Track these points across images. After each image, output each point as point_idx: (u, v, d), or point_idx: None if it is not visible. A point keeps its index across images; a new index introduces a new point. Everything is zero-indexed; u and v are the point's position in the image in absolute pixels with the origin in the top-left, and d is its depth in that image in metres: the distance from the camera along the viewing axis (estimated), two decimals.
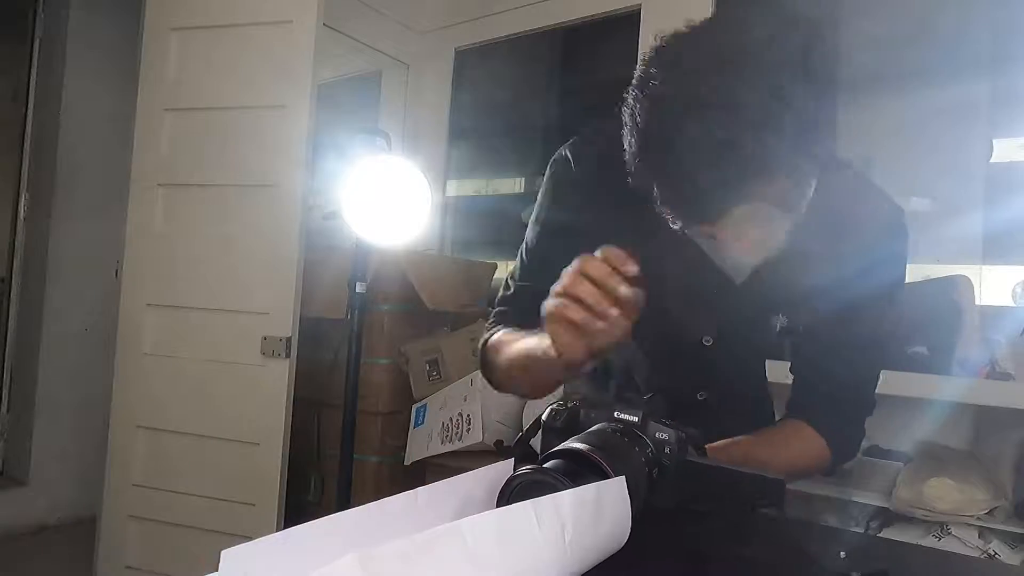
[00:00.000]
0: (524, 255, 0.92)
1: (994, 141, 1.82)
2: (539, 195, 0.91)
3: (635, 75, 0.61)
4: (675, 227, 0.64)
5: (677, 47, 0.59)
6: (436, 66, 2.85)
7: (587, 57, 2.67)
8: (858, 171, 0.84)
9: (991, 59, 1.82)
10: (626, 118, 0.61)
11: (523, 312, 0.83)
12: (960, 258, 1.81)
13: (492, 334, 0.89)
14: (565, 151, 0.86)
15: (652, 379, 0.80)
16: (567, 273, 0.63)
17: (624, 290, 0.60)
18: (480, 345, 0.91)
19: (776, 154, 0.55)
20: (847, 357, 0.80)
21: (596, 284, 0.61)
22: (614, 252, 0.62)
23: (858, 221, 0.76)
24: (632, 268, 0.61)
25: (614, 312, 0.60)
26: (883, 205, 0.80)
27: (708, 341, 0.83)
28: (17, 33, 2.65)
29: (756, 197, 0.57)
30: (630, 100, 0.60)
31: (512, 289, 0.92)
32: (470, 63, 2.84)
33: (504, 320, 0.90)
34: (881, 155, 1.96)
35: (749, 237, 0.62)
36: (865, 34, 2.07)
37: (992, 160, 1.83)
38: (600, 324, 0.60)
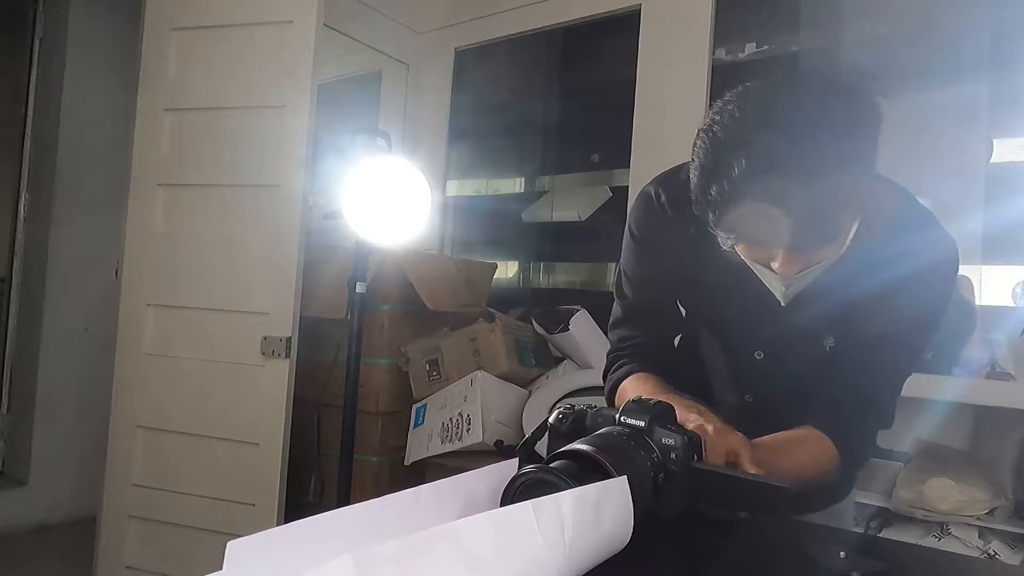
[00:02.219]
0: (627, 287, 1.00)
1: (994, 141, 1.82)
2: (631, 223, 0.98)
3: (704, 122, 0.72)
4: (725, 247, 0.74)
5: (736, 101, 0.71)
6: (436, 66, 2.85)
7: (587, 57, 2.67)
8: (910, 197, 0.89)
9: (991, 59, 1.82)
10: (693, 155, 0.72)
11: (645, 356, 0.97)
12: (960, 258, 1.81)
13: (619, 373, 0.97)
14: (651, 188, 0.94)
15: (706, 382, 0.96)
16: None
17: None
18: (609, 385, 1.00)
19: (809, 189, 0.64)
20: (872, 374, 0.84)
21: None
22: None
23: (909, 253, 0.81)
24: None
25: None
26: (937, 237, 0.84)
27: (760, 355, 0.91)
28: (17, 33, 2.65)
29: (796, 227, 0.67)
30: (697, 141, 0.72)
31: (622, 326, 1.01)
32: (470, 63, 2.84)
33: (629, 358, 0.98)
34: (881, 155, 1.96)
35: (793, 262, 0.72)
36: (865, 34, 2.07)
37: (992, 160, 1.82)
38: None
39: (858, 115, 0.67)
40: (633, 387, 0.92)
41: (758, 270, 0.77)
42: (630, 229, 0.97)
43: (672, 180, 0.90)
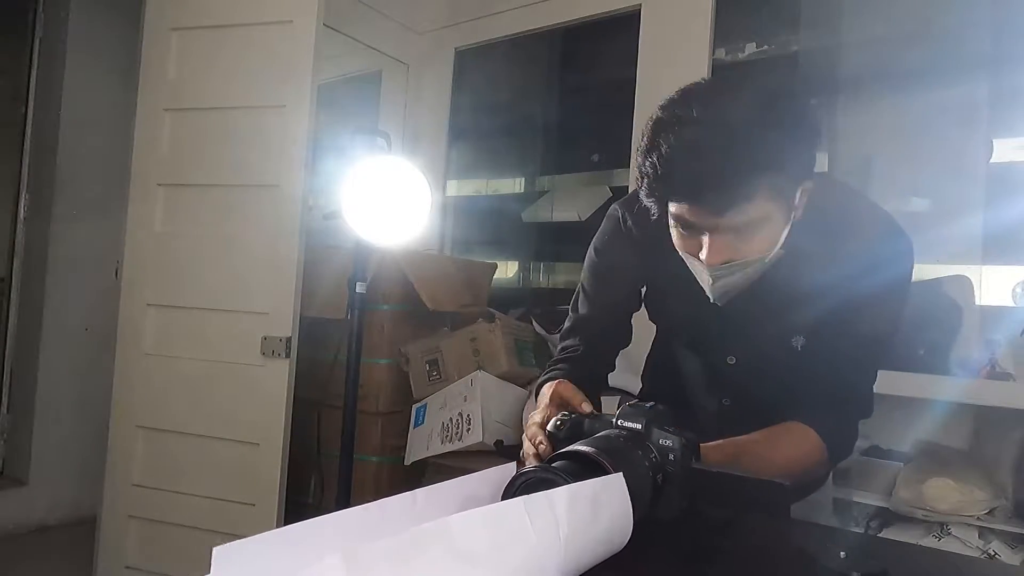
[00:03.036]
0: (582, 304, 1.03)
1: (994, 141, 1.82)
2: (596, 242, 1.03)
3: (652, 115, 0.78)
4: (653, 217, 0.79)
5: (679, 92, 0.78)
6: (436, 66, 2.85)
7: (587, 57, 2.67)
8: (853, 191, 0.95)
9: (991, 59, 1.82)
10: (639, 145, 0.77)
11: (575, 362, 1.00)
12: (960, 258, 1.81)
13: (542, 379, 1.00)
14: (617, 211, 1.00)
15: (685, 388, 0.99)
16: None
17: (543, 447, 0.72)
18: (532, 390, 1.05)
19: (731, 174, 0.70)
20: (846, 367, 0.87)
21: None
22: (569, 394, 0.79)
23: (862, 250, 0.84)
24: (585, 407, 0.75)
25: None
26: (889, 233, 0.87)
27: (732, 360, 0.94)
28: (17, 33, 2.64)
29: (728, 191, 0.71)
30: (645, 130, 0.77)
31: (568, 337, 1.04)
32: (470, 63, 2.84)
33: (559, 366, 1.01)
34: (881, 155, 1.96)
35: (717, 251, 0.75)
36: (865, 34, 2.07)
37: (992, 160, 1.83)
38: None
39: (791, 118, 0.72)
40: (547, 390, 0.93)
41: (689, 262, 0.80)
42: (595, 248, 1.02)
43: (635, 202, 0.94)
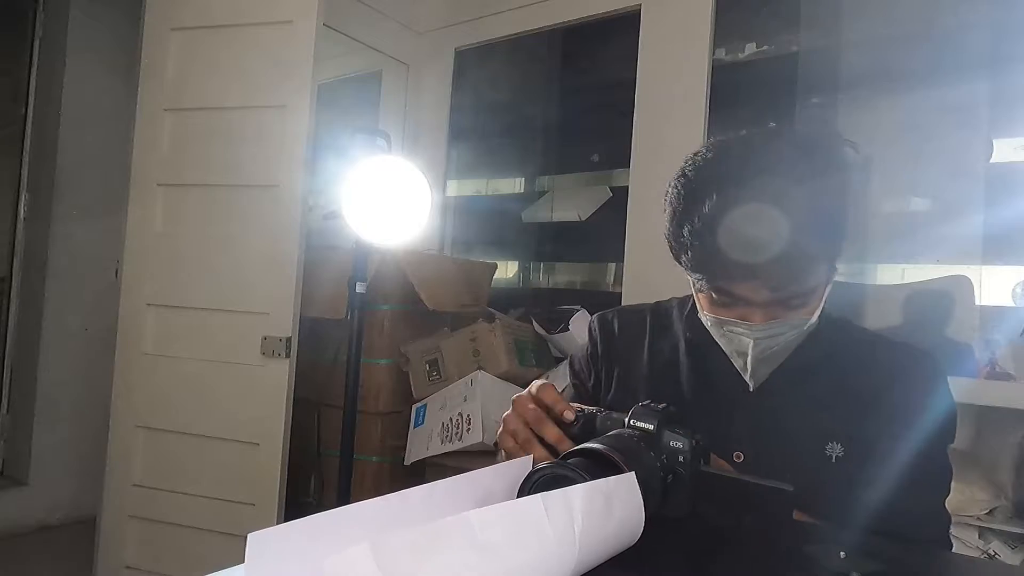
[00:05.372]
0: (572, 376, 0.99)
1: (994, 141, 1.82)
2: (592, 341, 0.97)
3: (677, 172, 0.74)
4: (695, 287, 0.75)
5: (708, 149, 0.73)
6: (436, 66, 2.85)
7: (587, 57, 2.67)
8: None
9: (991, 59, 1.82)
10: (666, 203, 0.73)
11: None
12: (960, 258, 1.81)
13: None
14: (601, 317, 0.96)
15: None
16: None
17: (551, 431, 0.67)
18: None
19: (779, 230, 0.64)
20: (905, 502, 0.70)
21: (528, 423, 0.68)
22: (548, 393, 0.69)
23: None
24: (567, 413, 0.67)
25: (539, 452, 0.67)
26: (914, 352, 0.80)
27: (739, 458, 0.79)
28: (17, 33, 2.65)
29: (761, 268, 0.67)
30: (670, 189, 0.73)
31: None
32: (470, 63, 2.84)
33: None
34: (881, 155, 1.96)
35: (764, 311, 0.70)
36: (865, 34, 2.07)
37: (992, 160, 1.83)
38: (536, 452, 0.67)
39: (827, 167, 0.68)
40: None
41: (719, 326, 0.74)
42: (594, 343, 0.95)
43: (623, 310, 0.95)
